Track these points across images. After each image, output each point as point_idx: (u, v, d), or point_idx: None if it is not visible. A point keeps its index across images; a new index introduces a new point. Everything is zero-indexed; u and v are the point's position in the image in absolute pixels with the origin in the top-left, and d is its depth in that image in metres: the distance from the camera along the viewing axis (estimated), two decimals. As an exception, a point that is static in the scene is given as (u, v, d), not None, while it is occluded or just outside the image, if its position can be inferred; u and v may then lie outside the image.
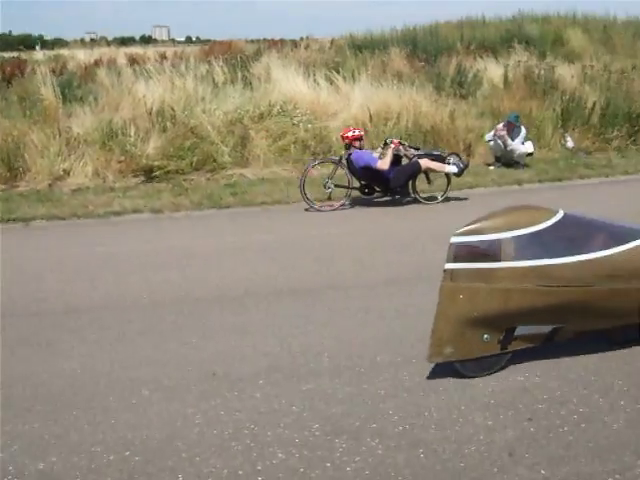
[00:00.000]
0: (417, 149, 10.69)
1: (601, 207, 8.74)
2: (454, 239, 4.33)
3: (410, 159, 10.28)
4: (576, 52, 23.41)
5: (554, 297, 4.36)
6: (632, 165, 13.20)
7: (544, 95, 15.73)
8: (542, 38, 24.24)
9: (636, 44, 26.04)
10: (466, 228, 4.35)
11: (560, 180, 12.17)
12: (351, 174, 10.26)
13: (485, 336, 4.35)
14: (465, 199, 10.67)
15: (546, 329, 4.52)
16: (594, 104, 14.69)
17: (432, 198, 10.50)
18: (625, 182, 12.22)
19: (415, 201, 10.42)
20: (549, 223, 4.42)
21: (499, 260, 4.31)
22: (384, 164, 9.92)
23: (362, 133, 10.54)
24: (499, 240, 4.30)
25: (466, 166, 10.65)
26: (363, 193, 10.48)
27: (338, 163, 10.41)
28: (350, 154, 10.20)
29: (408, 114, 13.76)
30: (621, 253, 4.48)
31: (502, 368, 4.49)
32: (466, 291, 4.28)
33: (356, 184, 10.41)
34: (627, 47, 25.33)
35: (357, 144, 10.23)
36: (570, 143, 14.00)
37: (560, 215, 4.50)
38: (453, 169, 10.34)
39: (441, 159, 10.41)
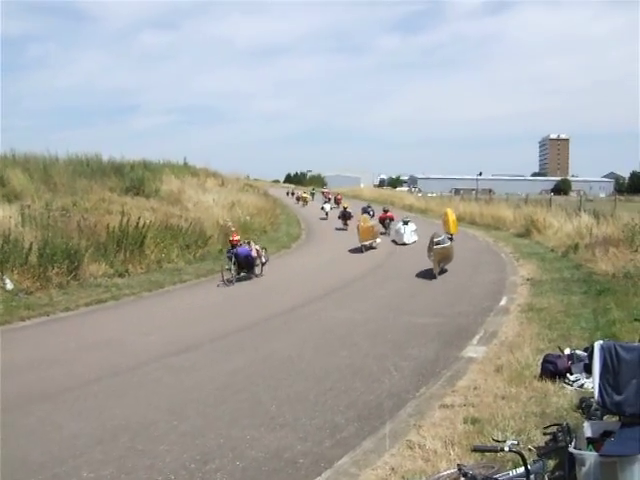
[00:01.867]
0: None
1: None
2: (435, 239, 17.18)
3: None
4: (17, 191, 23.42)
5: (445, 254, 17.98)
6: (73, 301, 13.52)
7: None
8: (-19, 179, 23.60)
9: (76, 182, 27.46)
10: (437, 235, 17.65)
11: (1, 325, 11.63)
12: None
13: (438, 267, 17.17)
14: None
15: (444, 265, 17.94)
16: (31, 244, 14.67)
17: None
18: (67, 319, 12.40)
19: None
20: (447, 235, 19.21)
21: (445, 243, 18.05)
22: (254, 253, 17.45)
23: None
24: (444, 238, 18.30)
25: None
26: (237, 273, 17.03)
27: (233, 256, 16.88)
28: (237, 250, 16.88)
29: None
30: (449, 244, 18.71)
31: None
32: (438, 253, 17.07)
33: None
34: (68, 185, 26.50)
35: (239, 243, 17.19)
36: (9, 285, 13.58)
37: (446, 234, 19.30)
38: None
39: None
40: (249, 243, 17.95)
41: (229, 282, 16.25)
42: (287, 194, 62.23)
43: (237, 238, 17.27)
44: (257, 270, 17.68)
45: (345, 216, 31.81)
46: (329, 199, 48.56)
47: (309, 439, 6.19)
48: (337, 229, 31.50)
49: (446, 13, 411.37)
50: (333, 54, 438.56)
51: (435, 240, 17.03)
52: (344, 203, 36.92)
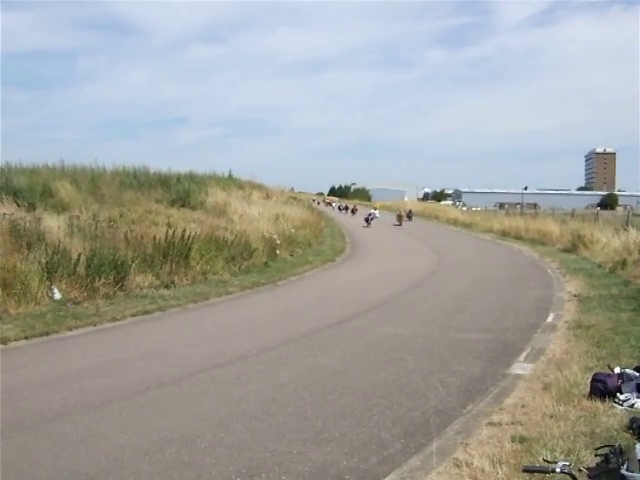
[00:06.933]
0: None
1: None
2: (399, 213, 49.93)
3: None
4: (65, 202, 23.93)
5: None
6: (120, 311, 13.67)
7: (30, 248, 15.44)
8: (31, 189, 24.14)
9: (123, 193, 27.97)
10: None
11: (48, 334, 11.82)
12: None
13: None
14: None
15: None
16: (79, 254, 14.93)
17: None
18: (113, 329, 12.55)
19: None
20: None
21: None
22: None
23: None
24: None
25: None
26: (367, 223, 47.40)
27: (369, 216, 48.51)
28: (372, 213, 49.47)
29: None
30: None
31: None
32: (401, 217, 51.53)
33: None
34: (115, 196, 27.01)
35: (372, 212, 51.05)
36: (57, 295, 13.85)
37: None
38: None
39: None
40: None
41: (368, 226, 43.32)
42: (313, 200, 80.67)
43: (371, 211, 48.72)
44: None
45: (340, 208, 70.12)
46: (330, 202, 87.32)
47: (355, 455, 6.14)
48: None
49: (492, 26, 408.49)
50: (378, 68, 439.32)
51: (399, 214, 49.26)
52: (339, 203, 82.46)
